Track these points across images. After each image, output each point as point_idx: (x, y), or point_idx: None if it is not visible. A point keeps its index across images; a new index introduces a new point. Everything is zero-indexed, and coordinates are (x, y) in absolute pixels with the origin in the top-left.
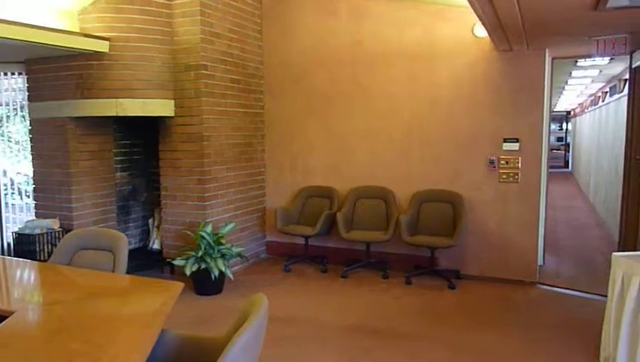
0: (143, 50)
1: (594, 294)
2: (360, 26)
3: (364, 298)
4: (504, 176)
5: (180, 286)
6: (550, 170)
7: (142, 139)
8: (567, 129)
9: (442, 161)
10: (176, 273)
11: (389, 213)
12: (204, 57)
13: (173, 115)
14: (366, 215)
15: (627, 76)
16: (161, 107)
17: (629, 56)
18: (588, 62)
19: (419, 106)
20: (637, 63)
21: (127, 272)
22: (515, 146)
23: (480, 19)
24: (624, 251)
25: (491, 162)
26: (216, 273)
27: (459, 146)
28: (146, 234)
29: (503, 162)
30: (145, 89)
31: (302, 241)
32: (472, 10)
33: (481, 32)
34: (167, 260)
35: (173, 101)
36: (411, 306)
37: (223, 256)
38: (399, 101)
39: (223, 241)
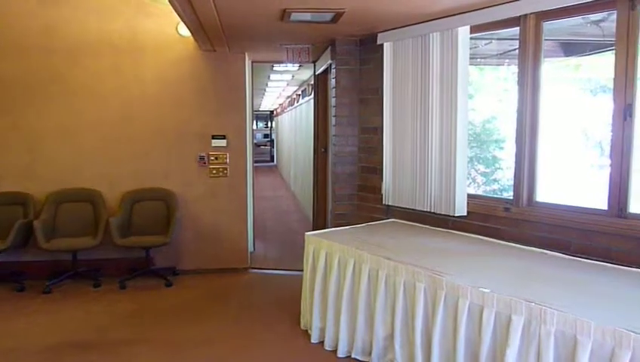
0: None
1: (297, 271)
2: (54, 10)
3: (73, 312)
4: (214, 171)
5: None
6: (258, 164)
7: None
8: (271, 127)
9: (153, 158)
10: None
11: (97, 216)
12: None
13: None
14: (70, 220)
15: (313, 81)
16: None
17: (313, 64)
18: (282, 67)
19: (126, 102)
20: (319, 71)
21: None
22: (223, 143)
23: (181, 19)
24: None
25: (201, 158)
26: None
27: (169, 143)
28: None
29: (212, 158)
30: None
31: None
32: (173, 10)
33: (184, 31)
34: None
35: None
36: (127, 311)
37: None
38: (105, 96)
39: None
